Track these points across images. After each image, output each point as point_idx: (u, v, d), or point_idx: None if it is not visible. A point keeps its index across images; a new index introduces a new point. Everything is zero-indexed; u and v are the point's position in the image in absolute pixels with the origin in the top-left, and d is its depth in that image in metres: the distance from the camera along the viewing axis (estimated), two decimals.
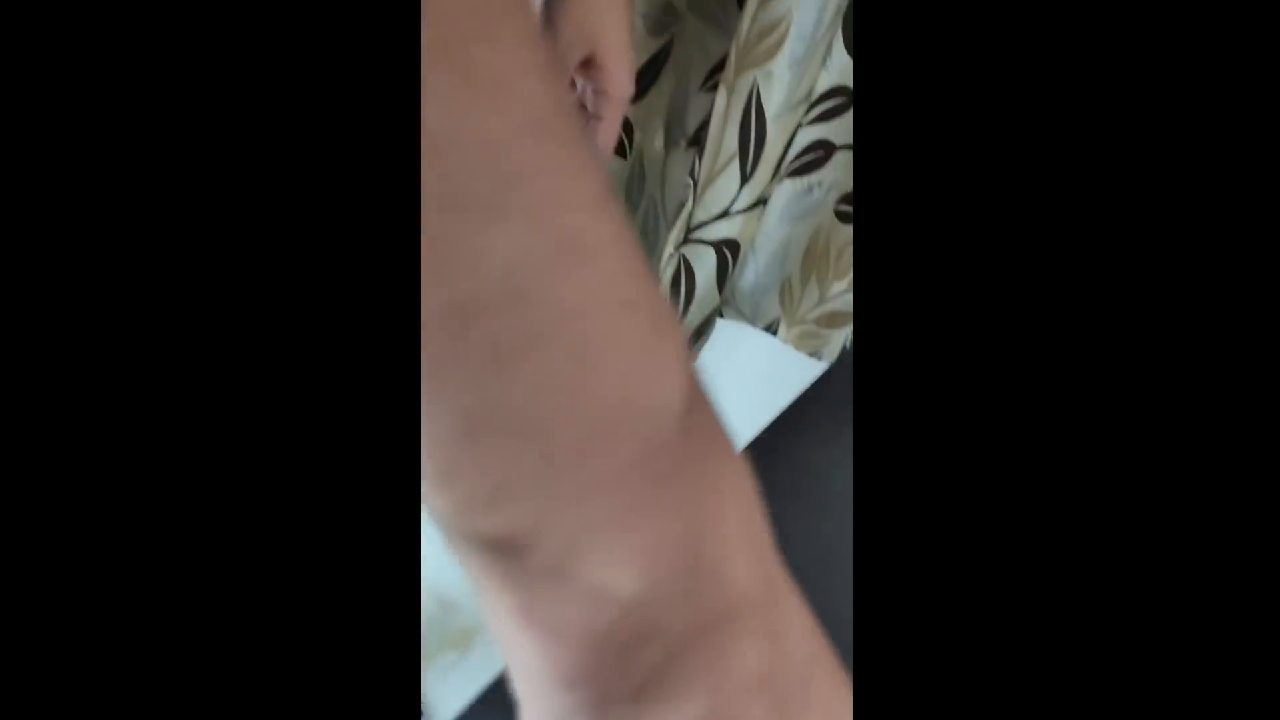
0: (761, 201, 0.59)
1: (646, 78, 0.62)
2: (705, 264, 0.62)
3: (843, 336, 0.69)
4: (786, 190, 0.63)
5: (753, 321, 0.71)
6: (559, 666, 0.20)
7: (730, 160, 0.55)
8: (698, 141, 0.58)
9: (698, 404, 0.19)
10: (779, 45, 0.51)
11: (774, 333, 0.71)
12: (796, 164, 0.62)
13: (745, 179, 0.56)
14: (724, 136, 0.55)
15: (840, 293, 0.68)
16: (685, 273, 0.62)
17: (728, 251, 0.60)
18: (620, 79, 0.53)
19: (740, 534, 0.20)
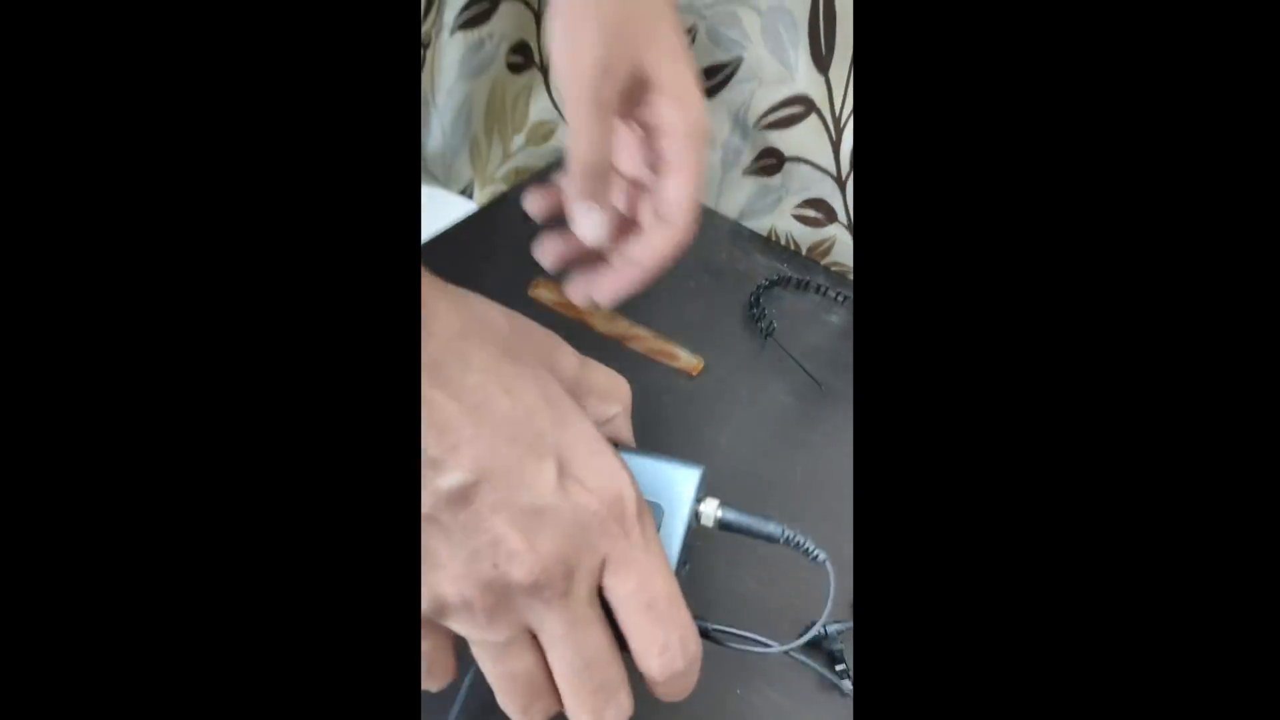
0: (423, 45, 0.60)
1: None
2: None
3: None
4: (459, 45, 0.65)
5: (447, 185, 0.73)
6: None
7: None
8: None
9: None
10: None
11: (470, 196, 0.73)
12: (464, 17, 0.64)
13: None
14: None
15: (520, 147, 0.71)
16: None
17: None
18: (691, 102, 0.39)
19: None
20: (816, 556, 0.31)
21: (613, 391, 0.32)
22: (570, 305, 0.54)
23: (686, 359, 0.54)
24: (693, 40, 0.63)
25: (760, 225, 0.68)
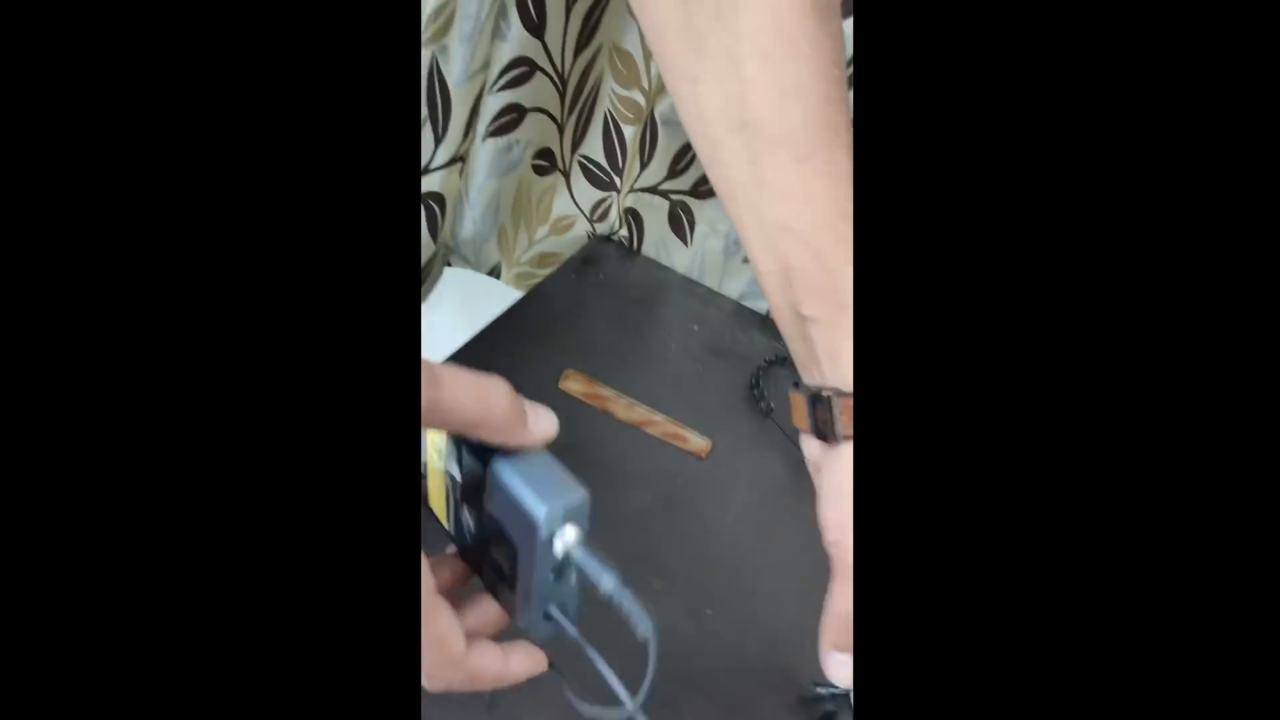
0: (459, 159, 0.68)
1: None
2: None
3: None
4: (490, 149, 0.73)
5: (477, 268, 0.81)
6: None
7: (423, 125, 0.65)
8: None
9: None
10: (448, 25, 0.60)
11: (497, 276, 0.81)
12: (494, 126, 0.72)
13: (438, 140, 0.65)
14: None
15: (544, 236, 0.79)
16: None
17: (434, 204, 0.69)
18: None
19: None
20: (638, 631, 0.28)
21: (485, 418, 0.29)
22: (597, 396, 0.62)
23: (695, 441, 0.62)
24: None
25: (760, 305, 0.76)
